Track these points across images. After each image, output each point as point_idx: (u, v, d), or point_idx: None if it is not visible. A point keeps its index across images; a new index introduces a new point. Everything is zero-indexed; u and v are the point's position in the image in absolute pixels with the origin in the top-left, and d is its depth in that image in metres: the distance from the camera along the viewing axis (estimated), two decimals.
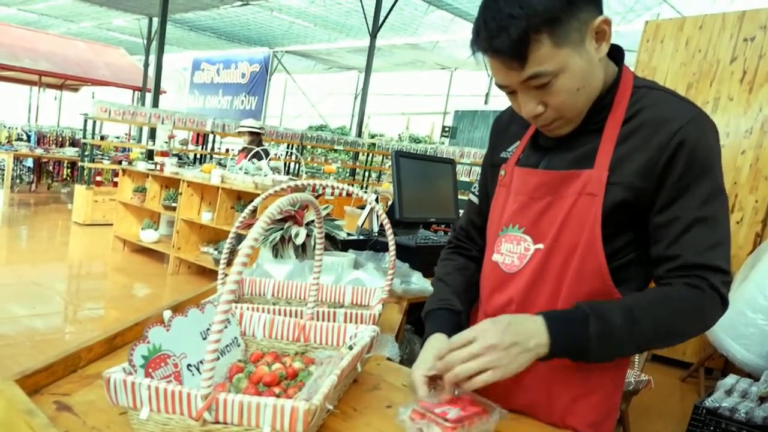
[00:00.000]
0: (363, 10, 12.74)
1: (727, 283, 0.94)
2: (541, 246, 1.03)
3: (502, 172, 1.15)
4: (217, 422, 0.76)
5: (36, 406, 0.81)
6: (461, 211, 2.76)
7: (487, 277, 1.15)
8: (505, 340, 0.87)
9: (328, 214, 1.98)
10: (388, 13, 12.42)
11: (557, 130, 1.02)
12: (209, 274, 5.52)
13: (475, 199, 1.27)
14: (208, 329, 0.98)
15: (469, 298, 1.20)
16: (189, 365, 0.92)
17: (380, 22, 12.49)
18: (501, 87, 0.99)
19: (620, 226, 0.97)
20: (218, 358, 0.90)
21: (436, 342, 1.05)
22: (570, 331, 0.91)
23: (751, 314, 3.33)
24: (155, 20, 14.37)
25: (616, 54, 1.03)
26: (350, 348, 1.02)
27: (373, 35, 12.58)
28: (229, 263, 1.21)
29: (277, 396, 0.91)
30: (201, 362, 0.93)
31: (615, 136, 0.97)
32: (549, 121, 1.00)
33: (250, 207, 1.32)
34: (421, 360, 1.01)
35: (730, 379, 3.07)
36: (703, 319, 0.95)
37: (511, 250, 1.08)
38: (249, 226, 1.74)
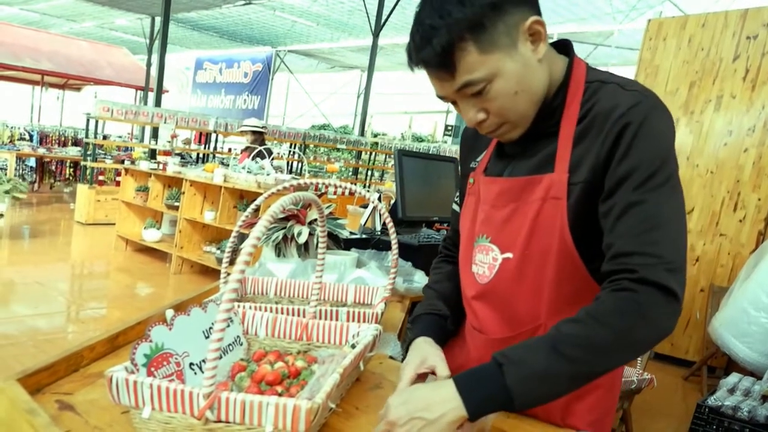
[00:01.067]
0: (366, 9, 12.73)
1: (673, 270, 0.83)
2: (509, 255, 1.02)
3: (471, 180, 1.15)
4: (220, 421, 0.76)
5: (38, 405, 0.81)
6: None
7: (465, 288, 1.15)
8: (402, 416, 0.83)
9: (330, 213, 1.98)
10: (391, 12, 12.40)
11: (507, 135, 1.00)
12: (212, 273, 5.52)
13: (457, 208, 1.27)
14: (211, 328, 0.98)
15: (457, 303, 1.20)
16: (191, 364, 0.92)
17: (383, 21, 12.48)
18: (441, 98, 0.98)
19: (591, 226, 0.94)
20: (221, 357, 0.90)
21: (424, 344, 1.06)
22: (483, 386, 0.84)
23: (754, 312, 3.32)
24: (158, 19, 14.38)
25: (564, 49, 1.02)
26: (353, 347, 1.02)
27: (376, 34, 12.58)
28: (231, 262, 1.20)
29: (280, 395, 0.91)
30: (203, 361, 0.93)
31: (571, 136, 0.95)
32: (494, 127, 0.98)
33: (252, 206, 1.32)
34: (408, 359, 1.02)
35: (733, 378, 3.06)
36: (650, 323, 0.83)
37: (482, 261, 1.08)
38: (251, 225, 1.74)
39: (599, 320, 0.83)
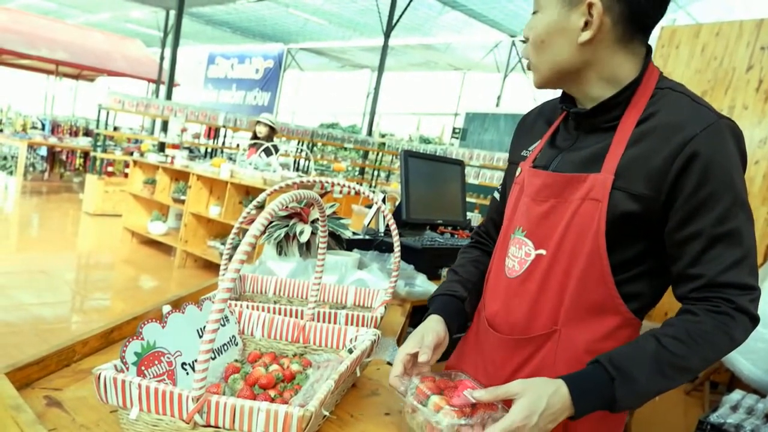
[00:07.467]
0: (378, 8, 12.71)
1: (756, 299, 0.90)
2: (543, 252, 1.00)
3: (518, 170, 1.13)
4: (209, 425, 0.74)
5: (24, 401, 0.79)
6: (469, 214, 2.72)
7: (490, 279, 1.14)
8: (528, 413, 0.83)
9: (334, 213, 1.96)
10: (403, 13, 12.37)
11: (531, 71, 1.03)
12: (215, 268, 5.51)
13: (497, 196, 1.26)
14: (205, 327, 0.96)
15: (477, 288, 1.19)
16: (184, 364, 0.90)
17: (394, 22, 12.45)
18: None
19: (628, 235, 0.92)
20: (212, 359, 0.88)
21: (430, 322, 1.05)
22: (594, 395, 0.87)
23: (760, 329, 3.24)
24: (172, 13, 14.41)
25: (645, 54, 0.99)
26: (350, 351, 1.00)
27: (387, 34, 12.55)
28: (231, 259, 1.18)
29: (273, 399, 0.89)
30: (196, 361, 0.92)
31: (627, 137, 0.93)
32: (525, 55, 1.02)
33: (254, 202, 1.30)
34: (410, 336, 1.00)
35: (736, 395, 3.01)
36: (733, 344, 0.91)
37: (514, 254, 1.06)
38: (253, 221, 1.72)
39: (697, 341, 0.88)
